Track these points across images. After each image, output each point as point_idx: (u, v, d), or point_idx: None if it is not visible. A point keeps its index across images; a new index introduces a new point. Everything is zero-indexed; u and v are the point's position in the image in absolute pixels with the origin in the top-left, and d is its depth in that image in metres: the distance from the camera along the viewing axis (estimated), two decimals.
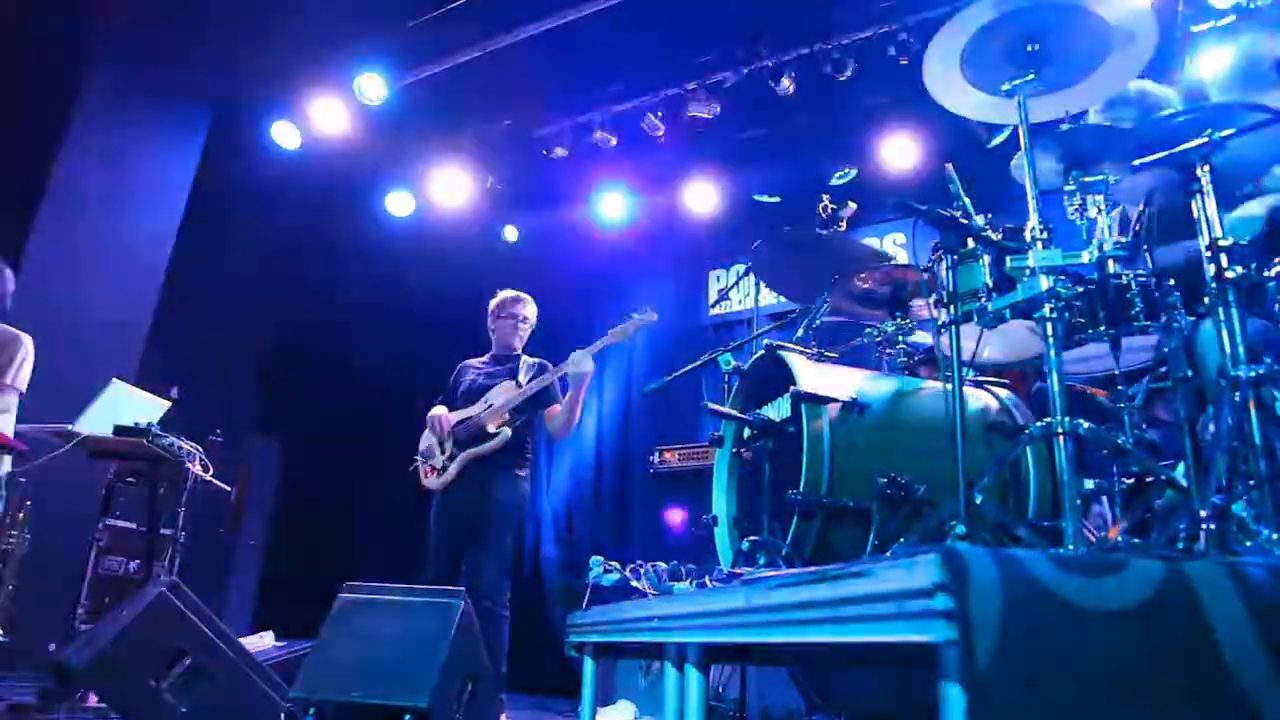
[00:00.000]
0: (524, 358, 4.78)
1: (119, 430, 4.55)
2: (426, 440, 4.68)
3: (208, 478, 4.93)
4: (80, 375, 4.92)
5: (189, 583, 3.68)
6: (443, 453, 4.55)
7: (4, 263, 4.54)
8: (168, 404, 4.87)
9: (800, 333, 3.69)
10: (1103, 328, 2.39)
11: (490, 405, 4.50)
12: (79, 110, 6.12)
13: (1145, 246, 2.48)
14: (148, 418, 4.65)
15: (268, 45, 6.68)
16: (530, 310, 4.88)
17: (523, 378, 4.59)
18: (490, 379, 4.67)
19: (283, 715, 3.49)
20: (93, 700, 3.92)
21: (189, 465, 4.80)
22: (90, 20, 6.17)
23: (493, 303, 4.92)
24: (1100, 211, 2.54)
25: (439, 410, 4.66)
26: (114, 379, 4.75)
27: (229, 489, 5.21)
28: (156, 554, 4.75)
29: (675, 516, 6.13)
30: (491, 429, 4.42)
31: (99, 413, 4.59)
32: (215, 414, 6.07)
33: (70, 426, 4.52)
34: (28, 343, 4.44)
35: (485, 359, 4.89)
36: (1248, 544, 1.87)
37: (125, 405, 4.68)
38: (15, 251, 5.63)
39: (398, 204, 8.21)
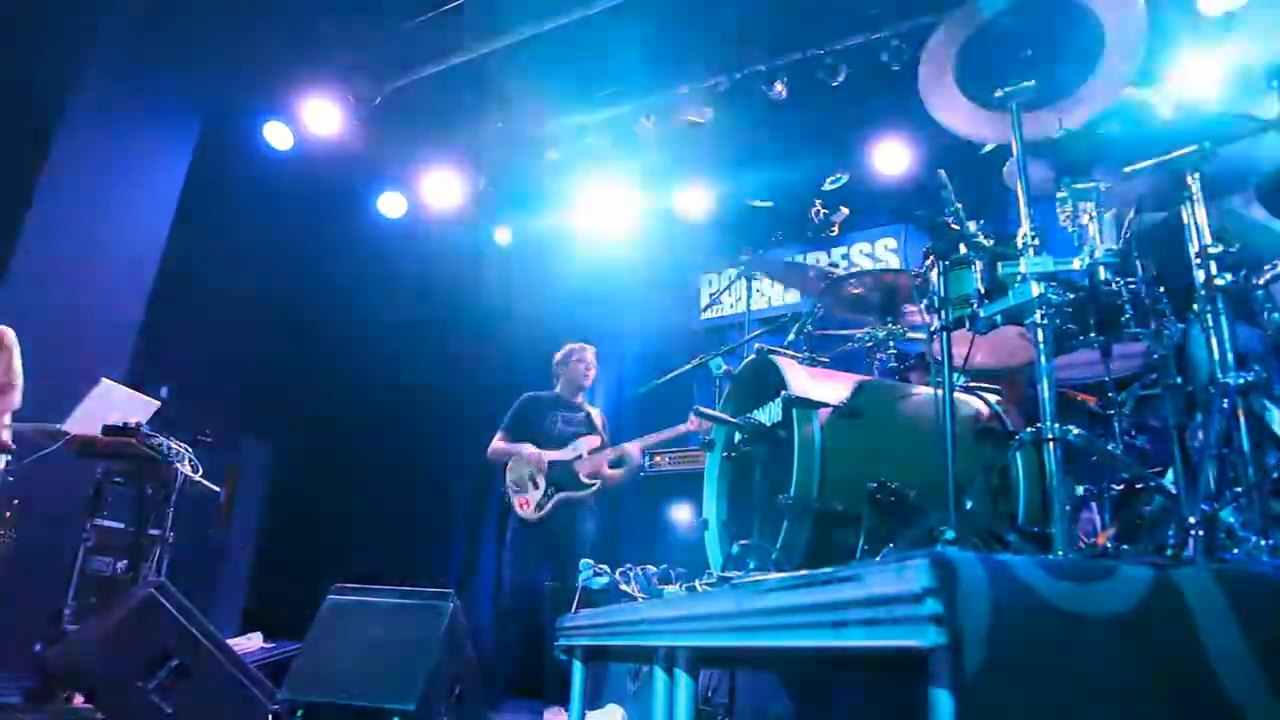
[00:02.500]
0: (588, 407, 5.56)
1: (108, 430, 4.54)
2: (516, 471, 5.28)
3: (197, 478, 4.91)
4: (70, 375, 4.90)
5: (177, 584, 3.67)
6: (535, 486, 5.19)
7: None
8: (157, 404, 4.86)
9: (791, 337, 3.69)
10: (1093, 334, 2.40)
11: (580, 456, 5.21)
12: (70, 111, 6.09)
13: (1135, 253, 2.49)
14: (137, 418, 4.63)
15: (260, 45, 6.65)
16: (594, 357, 5.60)
17: (602, 432, 5.40)
18: (572, 426, 5.36)
19: (270, 717, 3.47)
20: (79, 701, 3.90)
21: (178, 466, 4.79)
22: (82, 21, 6.15)
23: (563, 352, 5.60)
24: (1092, 218, 2.54)
25: (530, 448, 5.26)
26: (103, 379, 4.73)
27: (218, 490, 5.19)
28: (145, 555, 4.73)
29: (681, 513, 6.14)
30: (585, 479, 5.17)
31: (88, 412, 4.58)
32: (205, 414, 6.04)
33: (59, 426, 4.51)
34: (7, 336, 4.51)
35: (551, 398, 5.54)
36: (1235, 550, 1.88)
37: (114, 405, 4.67)
38: (5, 252, 5.60)
39: (390, 205, 8.19)
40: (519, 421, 5.43)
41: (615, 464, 5.25)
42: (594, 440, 5.28)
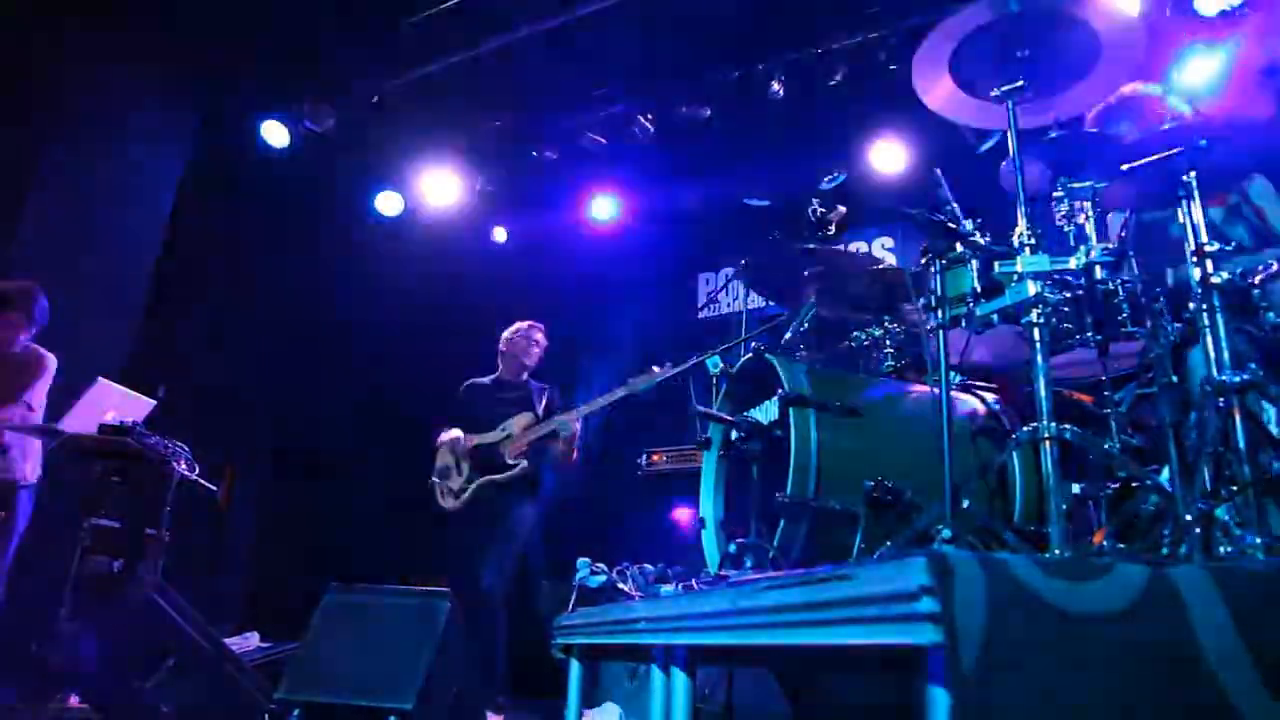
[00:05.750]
0: (532, 383, 5.16)
1: (104, 429, 4.53)
2: (442, 460, 4.96)
3: (193, 477, 4.90)
4: (66, 374, 4.88)
5: (174, 583, 3.67)
6: (459, 474, 4.84)
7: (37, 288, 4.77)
8: (153, 403, 4.85)
9: (789, 336, 3.69)
10: (1090, 333, 2.41)
11: (509, 435, 4.83)
12: (68, 109, 6.08)
13: (1130, 253, 2.49)
14: (133, 417, 4.63)
15: (258, 43, 6.65)
16: (544, 337, 5.26)
17: (539, 407, 4.95)
18: (506, 406, 4.96)
19: (267, 716, 3.47)
20: (75, 701, 3.89)
21: (174, 465, 4.78)
22: (80, 18, 6.13)
23: (509, 330, 5.26)
24: (1088, 218, 2.55)
25: (455, 433, 4.93)
26: (99, 378, 4.72)
27: (214, 489, 5.18)
28: (141, 554, 4.72)
29: (678, 512, 6.13)
30: (510, 459, 4.75)
31: (84, 411, 4.57)
32: (202, 413, 6.03)
33: (55, 425, 4.50)
34: (52, 363, 4.74)
35: (492, 382, 5.19)
36: (1231, 549, 1.88)
37: (110, 404, 4.66)
38: (2, 249, 5.59)
39: (387, 204, 8.18)
40: (461, 409, 5.09)
41: (553, 436, 4.81)
42: (525, 418, 4.87)
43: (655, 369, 4.77)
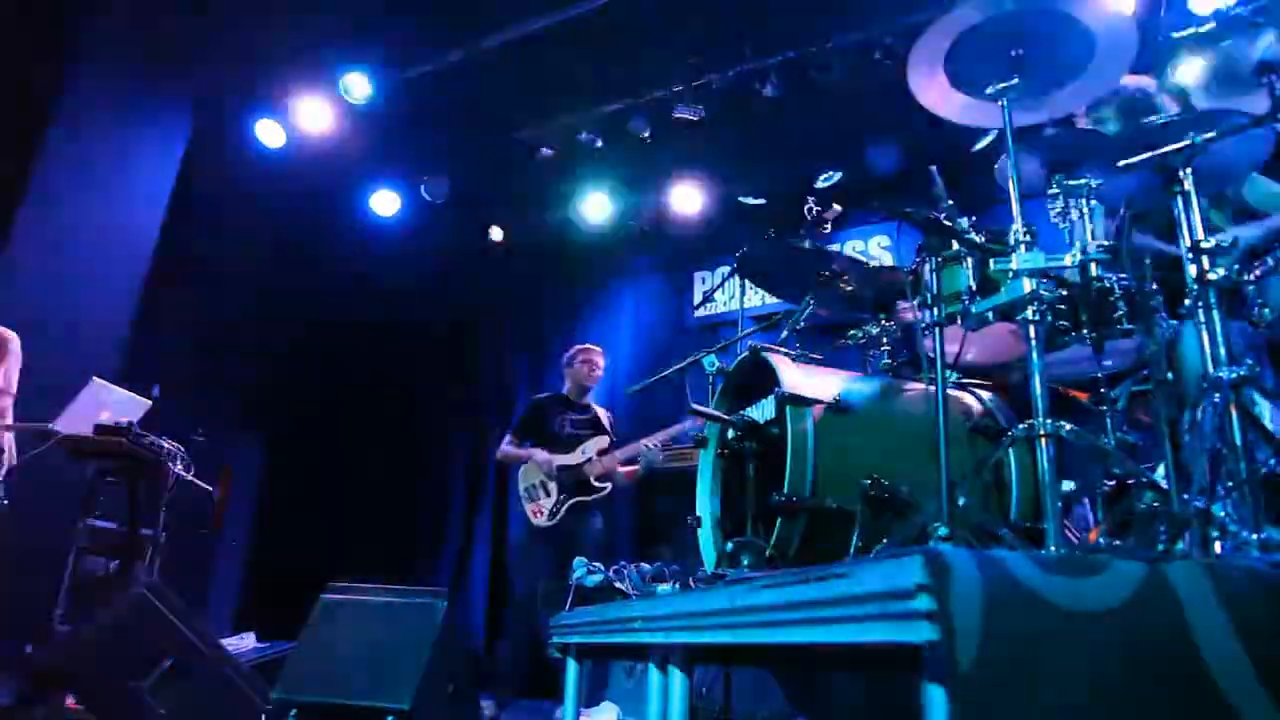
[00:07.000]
0: (596, 408, 5.62)
1: (99, 429, 4.52)
2: (528, 479, 5.38)
3: (189, 477, 4.89)
4: (61, 374, 4.88)
5: (170, 583, 3.66)
6: (547, 494, 5.28)
7: None
8: (149, 403, 4.84)
9: (785, 334, 3.69)
10: (1085, 330, 2.41)
11: (590, 459, 5.27)
12: (60, 108, 6.05)
13: (1126, 249, 2.49)
14: (128, 417, 4.62)
15: (252, 42, 6.63)
16: (601, 359, 5.71)
17: (610, 432, 5.45)
18: (579, 428, 5.44)
19: (264, 716, 3.47)
20: (71, 702, 3.88)
21: (170, 465, 4.77)
22: (71, 17, 6.12)
23: (571, 352, 5.70)
24: (1083, 215, 2.55)
25: (543, 454, 5.33)
26: (94, 378, 4.71)
27: (210, 489, 5.18)
28: (137, 554, 4.71)
29: (675, 511, 6.13)
30: (596, 482, 5.24)
31: (79, 412, 4.56)
32: (197, 413, 6.02)
33: (50, 425, 4.49)
34: (14, 341, 4.55)
35: (558, 401, 5.59)
36: (1226, 545, 1.88)
37: (106, 404, 4.65)
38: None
39: (383, 203, 8.17)
40: (527, 425, 5.53)
41: (630, 461, 5.31)
42: (603, 441, 5.33)
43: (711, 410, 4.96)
